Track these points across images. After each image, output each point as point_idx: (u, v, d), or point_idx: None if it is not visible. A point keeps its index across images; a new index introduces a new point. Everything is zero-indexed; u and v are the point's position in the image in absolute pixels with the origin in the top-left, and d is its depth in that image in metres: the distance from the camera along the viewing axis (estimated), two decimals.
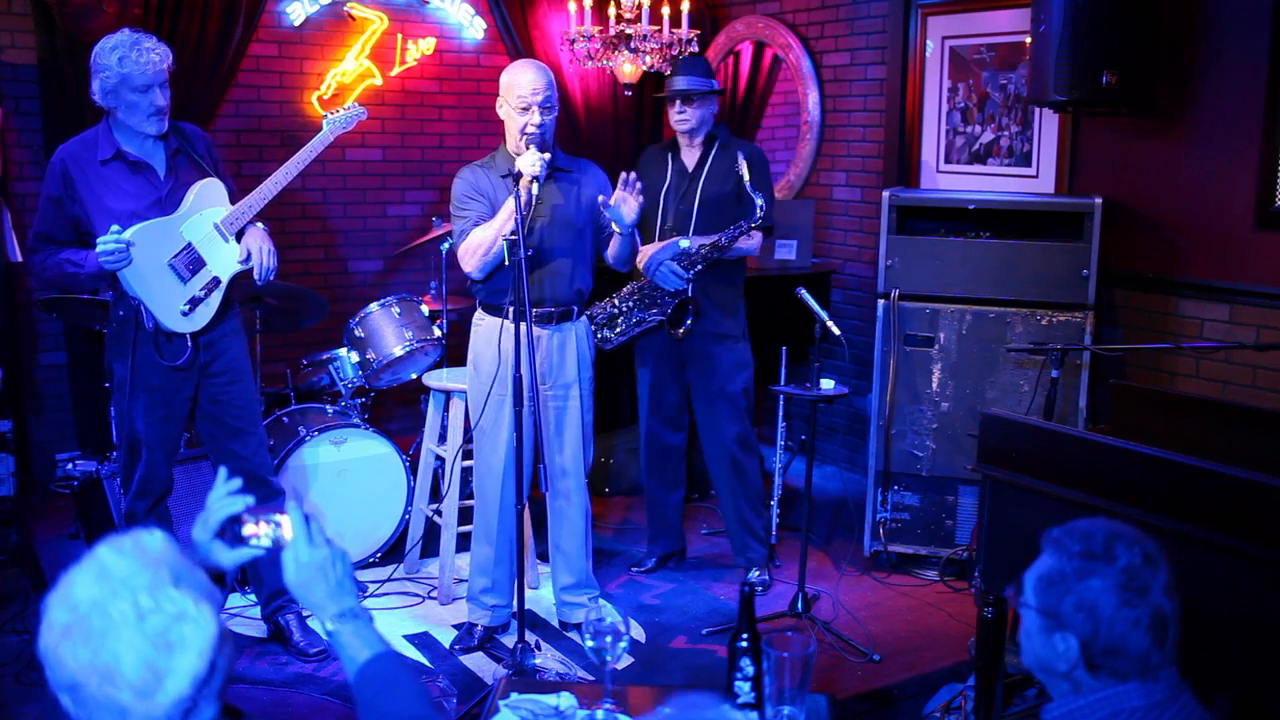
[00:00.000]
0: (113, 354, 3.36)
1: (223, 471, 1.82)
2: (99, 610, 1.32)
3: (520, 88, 3.45)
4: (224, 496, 1.75)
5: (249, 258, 3.36)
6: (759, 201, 3.80)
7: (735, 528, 4.23)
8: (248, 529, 1.71)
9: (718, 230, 3.92)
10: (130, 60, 3.15)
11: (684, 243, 3.92)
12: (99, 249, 3.13)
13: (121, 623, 1.31)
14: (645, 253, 3.95)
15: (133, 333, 3.28)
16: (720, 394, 4.10)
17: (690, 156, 4.08)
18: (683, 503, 4.44)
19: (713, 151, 4.05)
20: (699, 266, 3.91)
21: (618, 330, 4.09)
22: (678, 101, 3.99)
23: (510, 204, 3.34)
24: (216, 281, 3.35)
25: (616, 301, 4.10)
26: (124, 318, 3.30)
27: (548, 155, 3.40)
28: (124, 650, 1.31)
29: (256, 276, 3.38)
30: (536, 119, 3.44)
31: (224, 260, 3.37)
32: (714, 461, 4.21)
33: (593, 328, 4.02)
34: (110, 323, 3.37)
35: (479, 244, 3.46)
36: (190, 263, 3.31)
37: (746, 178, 3.79)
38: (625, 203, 3.48)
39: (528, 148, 3.40)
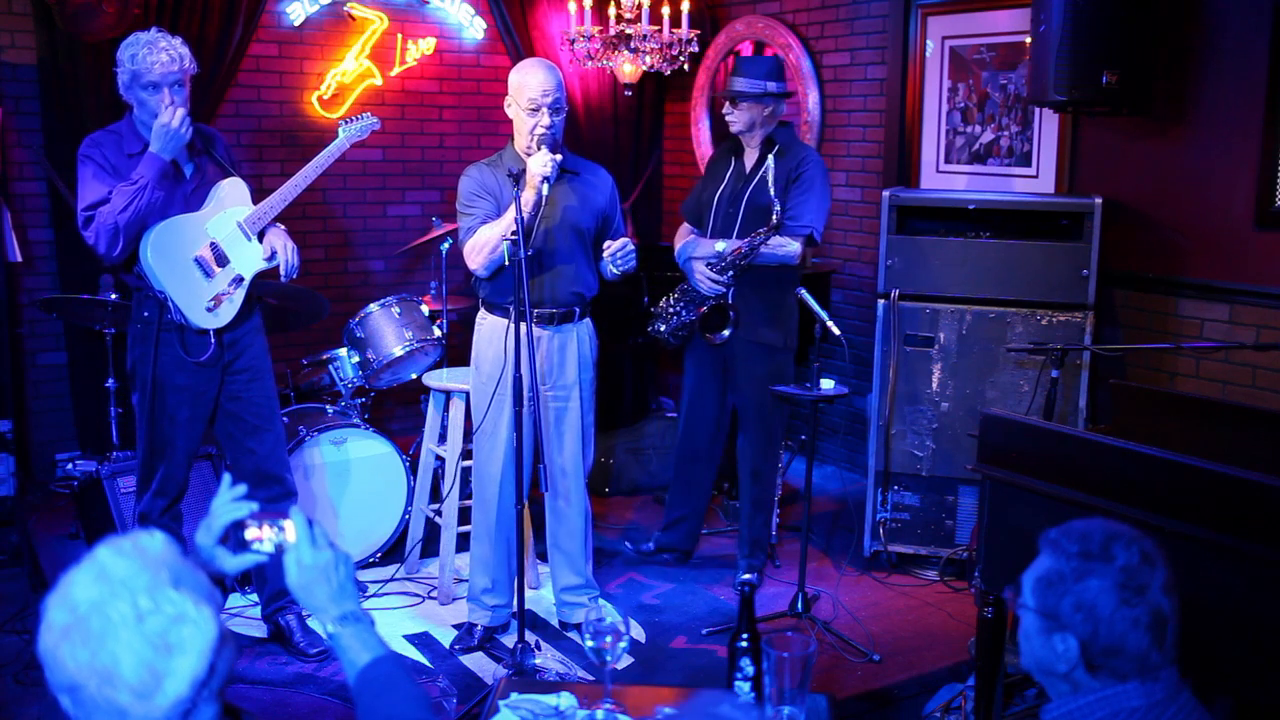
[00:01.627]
0: (136, 355, 3.37)
1: (227, 477, 1.82)
2: (98, 612, 1.32)
3: (530, 89, 3.45)
4: (229, 501, 1.76)
5: (273, 255, 3.41)
6: (776, 208, 3.78)
7: (746, 535, 4.22)
8: (250, 533, 1.72)
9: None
10: (140, 58, 3.19)
11: (719, 245, 3.91)
12: (163, 123, 3.15)
13: (120, 624, 1.31)
14: (690, 249, 3.99)
15: (156, 332, 3.30)
16: (754, 404, 4.07)
17: (750, 159, 4.06)
18: (705, 511, 4.43)
19: (770, 156, 3.97)
20: (731, 273, 3.89)
21: (671, 326, 4.11)
22: (726, 101, 4.00)
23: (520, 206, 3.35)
24: (240, 279, 3.39)
25: (671, 300, 4.12)
26: (148, 318, 3.32)
27: (559, 156, 3.40)
28: (123, 652, 1.31)
29: (282, 274, 3.44)
30: (546, 120, 3.44)
31: (247, 258, 3.41)
32: (741, 467, 4.21)
33: (654, 324, 4.13)
34: (133, 324, 3.38)
35: (485, 241, 3.46)
36: (215, 259, 3.35)
37: (770, 181, 3.78)
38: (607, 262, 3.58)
39: (538, 148, 3.40)
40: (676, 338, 4.11)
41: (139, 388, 3.36)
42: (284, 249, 3.43)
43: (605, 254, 3.57)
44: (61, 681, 1.33)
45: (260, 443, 3.53)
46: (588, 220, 3.61)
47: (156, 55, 3.18)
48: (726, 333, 3.92)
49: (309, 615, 3.55)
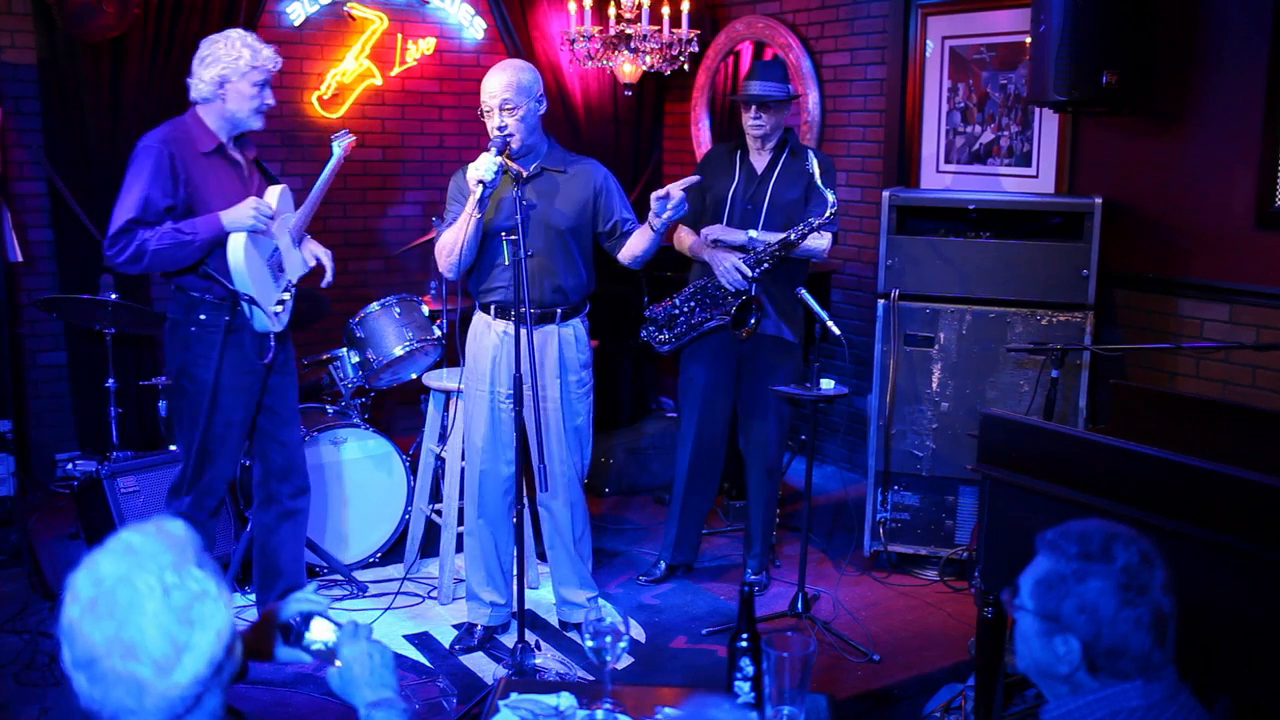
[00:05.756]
0: (190, 357, 3.34)
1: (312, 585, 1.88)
2: (125, 583, 1.34)
3: (483, 93, 3.48)
4: (309, 595, 1.84)
5: (318, 262, 3.54)
6: (830, 197, 3.72)
7: (757, 532, 4.19)
8: (315, 630, 1.80)
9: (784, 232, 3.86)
10: (261, 55, 3.29)
11: (753, 232, 3.86)
12: (253, 207, 3.23)
13: (147, 595, 1.34)
14: (708, 236, 3.91)
15: (224, 335, 3.30)
16: (774, 400, 4.03)
17: (760, 160, 4.01)
18: (707, 516, 4.38)
19: (783, 156, 3.97)
20: (765, 265, 3.83)
21: (676, 331, 3.98)
22: (753, 107, 3.92)
23: (467, 208, 3.38)
24: (291, 285, 3.47)
25: (677, 302, 3.98)
26: (205, 321, 3.32)
27: (500, 159, 3.36)
28: (148, 624, 1.33)
29: (330, 278, 3.58)
30: (497, 121, 3.44)
31: (295, 264, 3.52)
32: (754, 467, 4.15)
33: (652, 329, 3.99)
34: (185, 325, 3.35)
35: (441, 245, 3.54)
36: (278, 265, 3.44)
37: (817, 174, 3.74)
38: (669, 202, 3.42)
39: (489, 150, 3.40)
40: (682, 341, 4.00)
41: (194, 390, 3.34)
42: (328, 255, 3.56)
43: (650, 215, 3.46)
44: (81, 656, 1.35)
45: (291, 435, 3.63)
46: (568, 218, 3.56)
47: (264, 56, 3.29)
48: (752, 321, 3.86)
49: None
